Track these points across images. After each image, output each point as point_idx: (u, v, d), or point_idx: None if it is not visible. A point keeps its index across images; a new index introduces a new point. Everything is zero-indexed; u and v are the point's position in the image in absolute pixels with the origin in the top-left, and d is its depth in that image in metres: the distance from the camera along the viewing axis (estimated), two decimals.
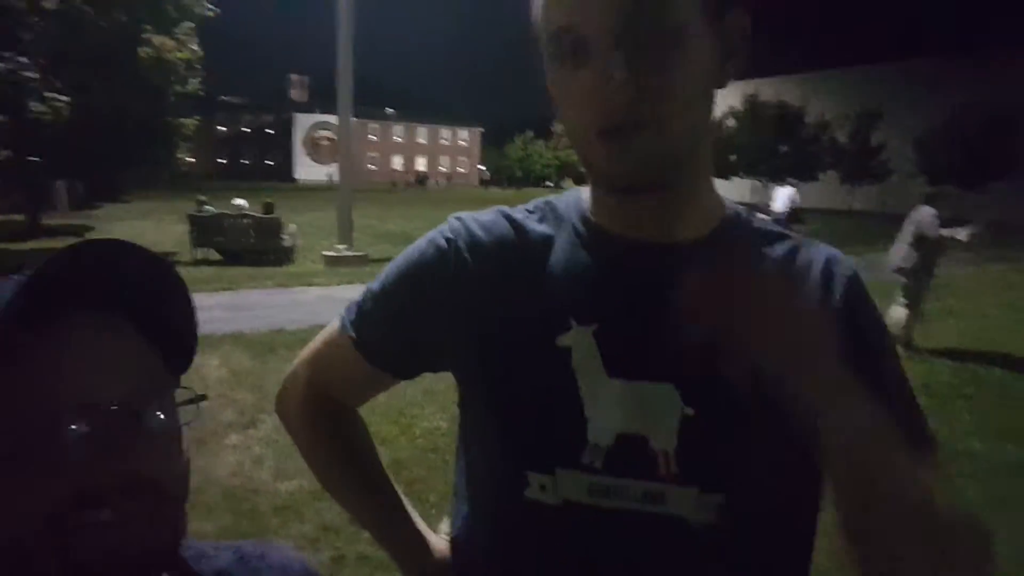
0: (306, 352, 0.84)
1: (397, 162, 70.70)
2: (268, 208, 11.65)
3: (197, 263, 9.88)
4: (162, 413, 0.47)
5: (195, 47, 12.22)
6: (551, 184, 70.04)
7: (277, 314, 6.77)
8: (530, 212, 0.74)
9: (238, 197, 12.08)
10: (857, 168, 33.30)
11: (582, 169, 0.72)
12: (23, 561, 0.42)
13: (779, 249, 0.70)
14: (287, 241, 11.27)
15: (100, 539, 0.42)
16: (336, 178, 12.84)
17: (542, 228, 0.72)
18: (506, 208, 0.75)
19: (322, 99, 56.40)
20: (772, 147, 32.52)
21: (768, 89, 34.01)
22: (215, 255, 11.01)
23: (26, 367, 0.44)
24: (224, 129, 67.47)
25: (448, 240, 0.73)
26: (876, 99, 33.85)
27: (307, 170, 58.33)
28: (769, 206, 11.18)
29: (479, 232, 0.72)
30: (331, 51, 11.09)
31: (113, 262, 0.47)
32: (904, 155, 30.90)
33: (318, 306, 6.90)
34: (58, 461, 0.42)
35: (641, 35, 0.58)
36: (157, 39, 11.39)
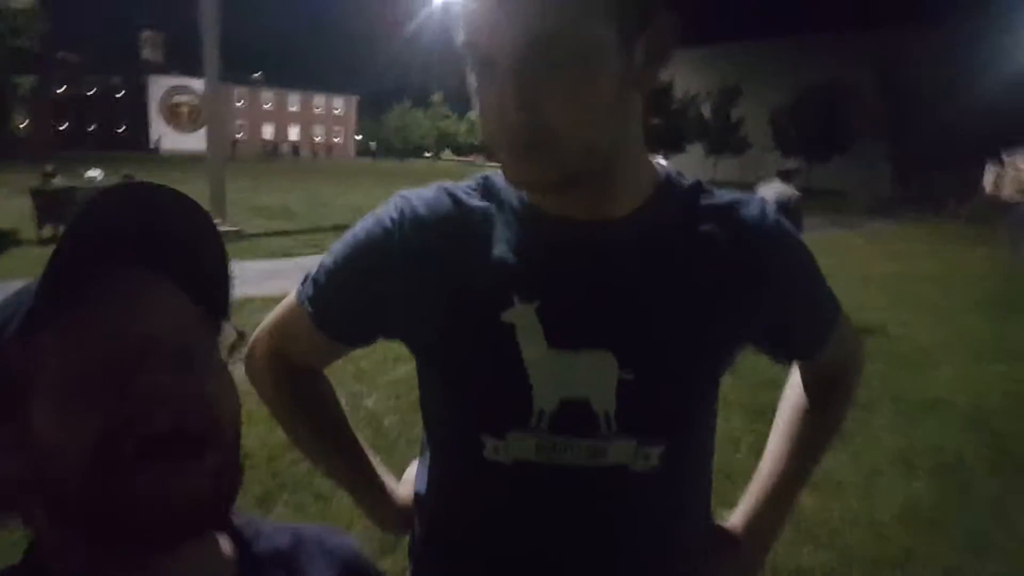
0: (267, 323, 0.88)
1: (267, 131, 66.65)
2: (126, 179, 10.69)
3: (44, 242, 8.89)
4: (211, 357, 0.49)
5: None
6: (430, 155, 69.19)
7: None
8: (471, 189, 0.78)
9: (92, 168, 10.99)
10: (719, 141, 35.61)
11: (487, 172, 0.78)
12: (88, 502, 0.43)
13: (706, 211, 0.75)
14: None
15: (154, 484, 0.43)
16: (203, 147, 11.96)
17: (483, 205, 0.76)
18: (448, 184, 0.79)
19: (179, 60, 51.93)
20: (643, 120, 33.93)
21: None
22: None
23: (83, 313, 0.44)
24: (65, 91, 60.29)
25: (392, 219, 0.76)
26: (736, 76, 36.16)
27: (167, 139, 53.67)
28: None
29: (422, 210, 0.76)
30: (189, 5, 10.20)
31: (154, 208, 0.48)
32: (761, 130, 33.38)
33: None
34: (109, 408, 0.43)
35: (536, 61, 0.59)
36: None
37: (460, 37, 0.64)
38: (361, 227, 0.79)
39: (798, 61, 35.90)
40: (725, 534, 0.91)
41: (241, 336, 0.52)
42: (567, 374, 0.70)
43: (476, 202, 0.76)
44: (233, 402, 0.49)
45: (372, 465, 0.93)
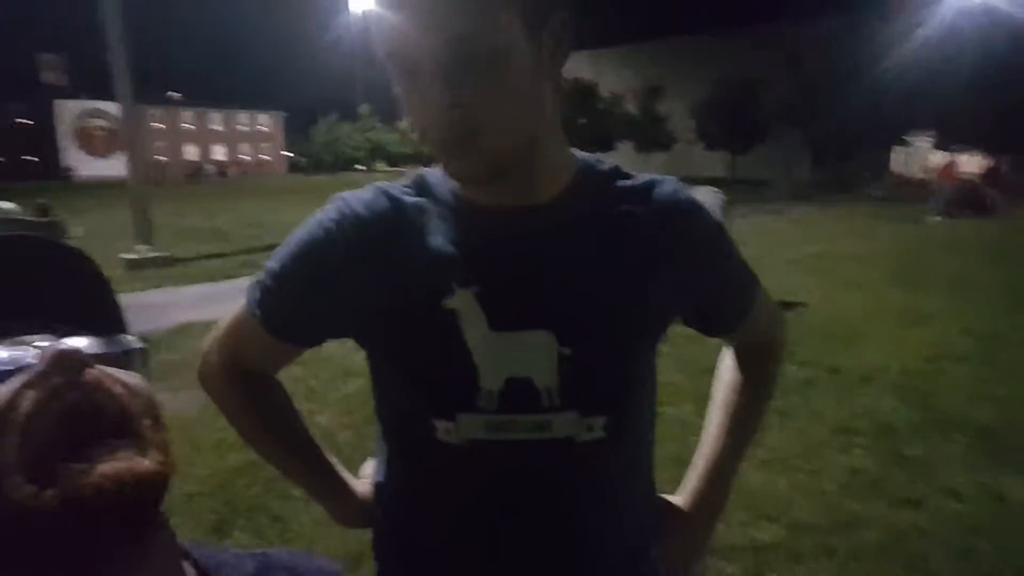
0: (217, 332, 0.89)
1: (190, 152, 64.31)
2: (43, 210, 10.14)
3: None
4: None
5: None
6: (363, 168, 68.22)
7: None
8: (406, 188, 0.81)
9: (2, 200, 10.36)
10: (647, 137, 36.52)
11: (422, 170, 0.82)
12: (18, 514, 0.40)
13: (625, 193, 0.81)
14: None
15: (91, 469, 0.41)
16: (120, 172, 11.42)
17: (418, 201, 0.79)
18: (384, 184, 0.82)
19: (85, 83, 49.54)
20: (571, 119, 34.50)
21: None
22: None
23: None
24: None
25: (334, 221, 0.79)
26: (657, 74, 37.16)
27: (82, 165, 51.07)
28: None
29: (361, 210, 0.78)
30: (91, 27, 9.75)
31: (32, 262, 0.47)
32: (684, 124, 34.41)
33: (129, 316, 6.20)
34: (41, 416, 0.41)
35: (461, 61, 0.64)
36: None
37: (381, 48, 0.67)
38: (303, 230, 0.81)
39: (714, 57, 37.19)
40: (673, 508, 0.97)
41: (146, 340, 0.52)
42: (509, 354, 0.75)
43: (411, 199, 0.80)
44: (142, 395, 0.47)
45: (331, 464, 0.95)
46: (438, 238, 0.77)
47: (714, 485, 0.97)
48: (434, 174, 0.81)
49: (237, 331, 0.87)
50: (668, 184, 0.83)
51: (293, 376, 4.45)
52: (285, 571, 0.59)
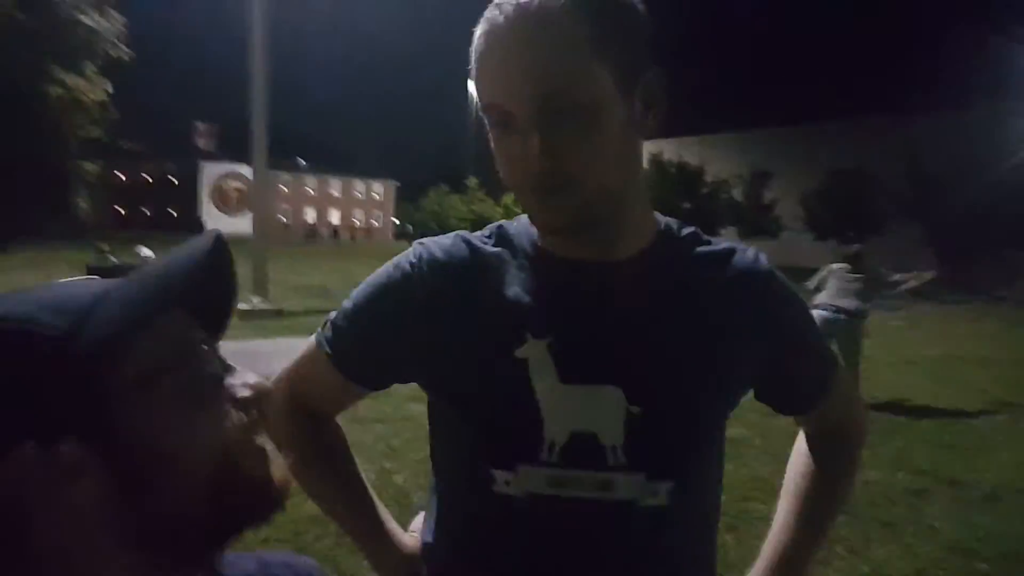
0: (287, 368, 0.91)
1: (310, 214, 69.19)
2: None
3: None
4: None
5: (108, 89, 11.67)
6: None
7: None
8: (486, 237, 0.83)
9: (142, 246, 11.52)
10: (752, 224, 35.73)
11: (501, 221, 0.84)
12: (202, 488, 0.47)
13: (705, 257, 0.81)
14: None
15: (261, 458, 0.50)
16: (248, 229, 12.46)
17: (497, 251, 0.81)
18: (465, 233, 0.84)
19: (230, 148, 54.94)
20: (675, 204, 34.41)
21: (670, 149, 36.14)
22: None
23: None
24: (124, 176, 64.04)
25: (411, 264, 0.81)
26: (765, 161, 36.66)
27: (214, 221, 56.04)
28: None
29: (440, 255, 0.80)
30: (239, 100, 10.94)
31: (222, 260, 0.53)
32: (792, 213, 33.47)
33: (234, 361, 6.54)
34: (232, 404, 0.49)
35: (554, 113, 0.66)
36: (70, 79, 10.78)
37: (481, 100, 0.71)
38: (381, 271, 0.83)
39: (825, 146, 36.31)
40: None
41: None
42: (577, 408, 0.73)
43: (491, 248, 0.81)
44: None
45: (380, 514, 0.94)
46: (514, 287, 0.77)
47: None
48: (514, 225, 0.83)
49: (305, 366, 0.89)
50: (750, 253, 0.82)
51: (375, 433, 4.53)
52: (282, 567, 0.62)
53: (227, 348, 0.59)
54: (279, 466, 0.51)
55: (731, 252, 0.81)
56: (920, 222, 29.03)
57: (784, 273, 0.85)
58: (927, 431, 5.27)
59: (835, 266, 6.26)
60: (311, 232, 62.76)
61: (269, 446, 0.51)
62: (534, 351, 0.74)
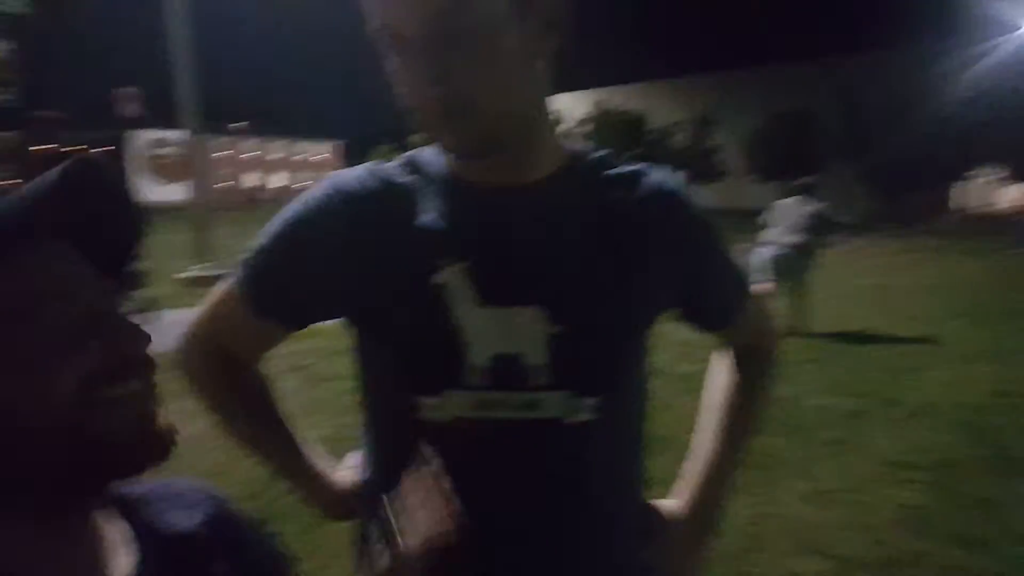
0: (199, 312, 0.87)
1: (251, 179, 66.89)
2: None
3: None
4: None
5: (4, 47, 10.77)
6: None
7: None
8: (398, 166, 0.81)
9: None
10: (697, 169, 36.20)
11: (412, 151, 0.82)
12: (56, 439, 0.44)
13: (616, 178, 0.81)
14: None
15: (133, 407, 0.47)
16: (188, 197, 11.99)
17: (409, 179, 0.79)
18: (375, 164, 0.82)
19: (157, 115, 52.29)
20: (621, 151, 34.52)
21: (613, 98, 36.07)
22: None
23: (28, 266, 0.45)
24: (42, 147, 60.30)
25: (325, 197, 0.78)
26: (706, 107, 36.97)
27: (147, 191, 53.68)
28: None
29: (353, 187, 0.78)
30: (163, 61, 10.35)
31: (88, 183, 0.49)
32: (734, 157, 34.04)
33: (178, 329, 6.41)
34: (88, 338, 0.45)
35: (444, 34, 0.64)
36: None
37: (371, 22, 0.68)
38: (291, 207, 0.81)
39: (766, 90, 36.80)
40: (666, 514, 0.92)
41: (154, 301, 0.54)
42: (499, 330, 0.73)
43: (403, 177, 0.80)
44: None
45: (310, 456, 0.93)
46: (428, 214, 0.76)
47: (708, 491, 0.93)
48: (426, 153, 0.82)
49: (220, 310, 0.85)
50: (659, 172, 0.83)
51: (334, 390, 4.51)
52: (165, 486, 0.62)
53: (175, 316, 0.55)
54: (149, 416, 0.48)
55: (641, 173, 0.82)
56: (856, 162, 29.93)
57: (730, 215, 0.85)
58: (865, 356, 5.54)
59: (783, 201, 6.43)
60: (251, 196, 60.77)
61: (139, 395, 0.48)
62: (451, 276, 0.73)
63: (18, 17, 11.23)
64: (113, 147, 56.17)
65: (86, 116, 60.75)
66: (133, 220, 0.54)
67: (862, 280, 9.84)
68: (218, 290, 0.85)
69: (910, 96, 27.28)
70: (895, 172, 27.58)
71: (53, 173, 0.46)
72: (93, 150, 58.28)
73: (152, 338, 0.50)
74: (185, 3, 10.22)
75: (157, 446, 0.48)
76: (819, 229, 6.27)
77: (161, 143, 54.58)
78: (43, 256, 0.46)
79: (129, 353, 0.47)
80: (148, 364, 0.48)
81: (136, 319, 0.50)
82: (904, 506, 3.04)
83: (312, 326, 0.83)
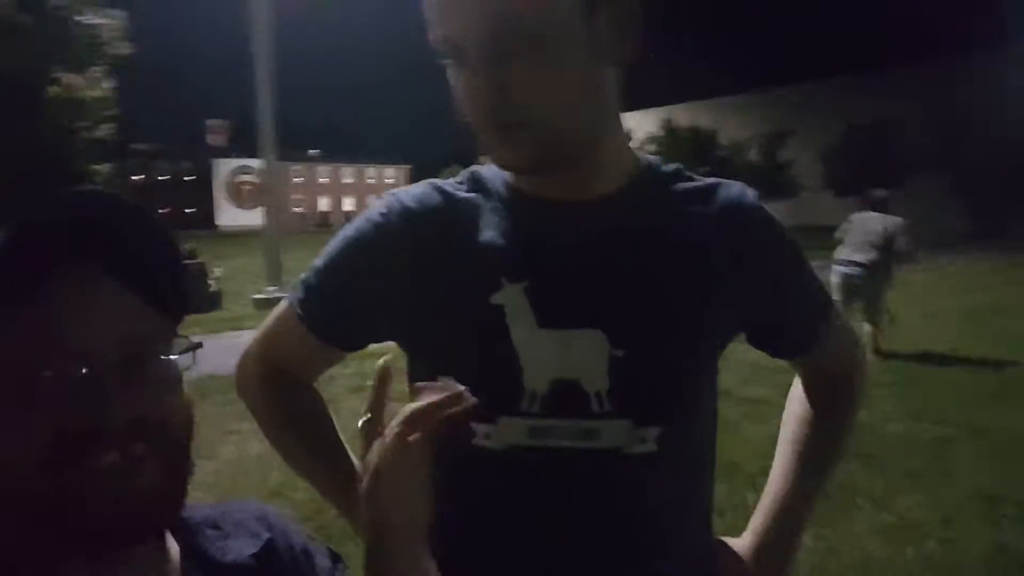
0: (258, 332, 0.88)
1: (323, 203, 69.48)
2: (191, 253, 11.30)
3: None
4: (163, 358, 0.48)
5: (107, 86, 11.71)
6: None
7: (208, 359, 6.47)
8: (459, 183, 0.79)
9: None
10: (769, 185, 35.12)
11: (475, 166, 0.79)
12: (26, 507, 0.43)
13: (688, 193, 0.76)
14: (214, 286, 10.92)
15: (106, 483, 0.43)
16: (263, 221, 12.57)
17: (470, 196, 0.77)
18: (436, 180, 0.80)
19: (242, 143, 55.19)
20: (690, 169, 33.91)
21: (682, 115, 35.57)
22: None
23: (19, 317, 0.44)
24: (138, 177, 64.78)
25: (383, 214, 0.77)
26: (780, 120, 35.95)
27: (230, 216, 56.57)
28: None
29: (412, 204, 0.76)
30: (249, 93, 10.94)
31: (93, 211, 0.48)
32: (810, 172, 32.86)
33: None
34: (57, 405, 0.42)
35: (504, 43, 0.61)
36: (66, 77, 10.82)
37: (433, 36, 0.65)
38: (351, 226, 0.80)
39: (844, 102, 35.45)
40: (733, 552, 0.86)
41: (198, 344, 0.53)
42: (557, 354, 0.69)
43: (463, 193, 0.77)
44: (181, 403, 0.49)
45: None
46: (489, 232, 0.73)
47: (781, 529, 0.86)
48: (486, 169, 0.79)
49: (277, 330, 0.84)
50: (735, 188, 0.77)
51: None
52: (225, 507, 0.62)
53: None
54: (127, 490, 0.44)
55: (715, 187, 0.76)
56: (945, 174, 28.27)
57: (804, 233, 0.81)
58: (950, 381, 5.18)
59: (857, 215, 6.05)
60: (323, 220, 63.01)
61: (115, 470, 0.43)
62: (510, 296, 0.70)
63: (121, 57, 12.14)
64: (195, 176, 59.44)
65: (178, 147, 64.95)
66: (166, 247, 0.53)
67: (949, 300, 9.25)
68: (277, 310, 0.85)
69: (1005, 100, 25.59)
70: (987, 183, 25.89)
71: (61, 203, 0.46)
72: (183, 175, 62.09)
73: (165, 396, 0.48)
74: (269, 40, 10.80)
75: (133, 525, 0.45)
76: (894, 246, 5.83)
77: (243, 170, 57.52)
78: (67, 286, 0.46)
79: (99, 423, 0.43)
80: (134, 434, 0.44)
81: (207, 343, 0.49)
82: (995, 544, 2.80)
83: (371, 347, 0.83)
